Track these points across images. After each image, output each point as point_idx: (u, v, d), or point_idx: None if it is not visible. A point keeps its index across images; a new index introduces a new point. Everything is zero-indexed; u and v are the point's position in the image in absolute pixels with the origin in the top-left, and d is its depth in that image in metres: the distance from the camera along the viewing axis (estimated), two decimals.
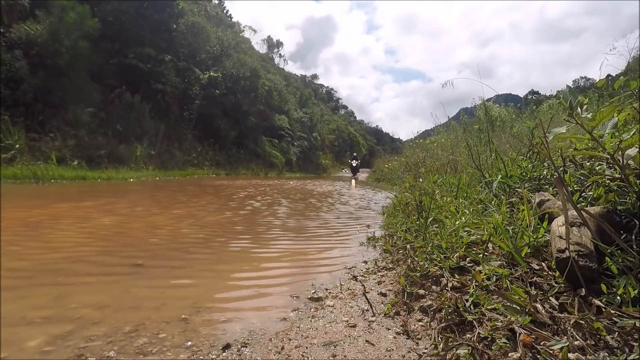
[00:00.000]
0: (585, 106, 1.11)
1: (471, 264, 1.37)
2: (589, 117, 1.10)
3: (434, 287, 1.33)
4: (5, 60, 8.98)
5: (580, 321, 0.89)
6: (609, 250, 1.06)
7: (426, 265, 1.47)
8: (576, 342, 0.83)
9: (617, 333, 0.85)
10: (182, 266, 1.89)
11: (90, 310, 1.28)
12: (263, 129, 23.28)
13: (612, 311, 0.90)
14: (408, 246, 1.84)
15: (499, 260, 1.32)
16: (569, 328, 0.88)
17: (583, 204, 1.43)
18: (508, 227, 1.52)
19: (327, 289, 1.54)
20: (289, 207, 4.58)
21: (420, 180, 4.19)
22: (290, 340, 1.08)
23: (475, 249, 1.51)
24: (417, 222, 2.23)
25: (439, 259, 1.48)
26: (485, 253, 1.42)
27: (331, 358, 0.97)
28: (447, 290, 1.22)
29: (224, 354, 1.00)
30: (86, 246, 2.24)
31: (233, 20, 29.23)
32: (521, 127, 4.68)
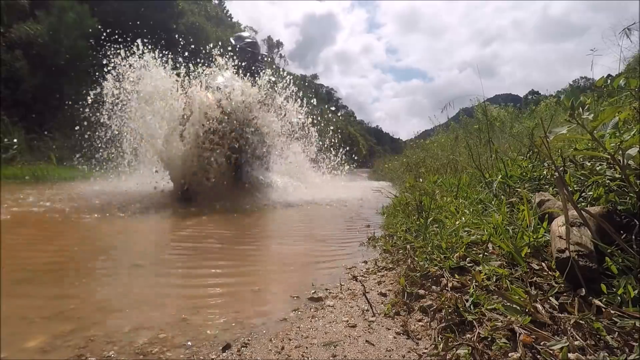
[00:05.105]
0: (587, 106, 1.11)
1: (471, 264, 1.37)
2: (590, 119, 1.10)
3: (434, 287, 1.33)
4: (5, 60, 8.99)
5: (580, 321, 0.89)
6: (609, 250, 1.06)
7: (426, 265, 1.46)
8: (576, 342, 0.83)
9: (617, 333, 0.85)
10: (182, 266, 1.89)
11: (90, 310, 1.28)
12: None
13: (612, 311, 0.90)
14: (408, 246, 1.84)
15: (499, 260, 1.32)
16: (569, 328, 0.88)
17: (583, 204, 1.43)
18: (508, 227, 1.52)
19: (327, 289, 1.53)
20: (288, 207, 4.57)
21: (421, 180, 4.19)
22: (290, 340, 1.08)
23: (475, 249, 1.51)
24: (417, 222, 2.23)
25: (439, 259, 1.48)
26: (485, 253, 1.42)
27: (331, 358, 0.97)
28: (447, 290, 1.22)
29: (224, 354, 1.00)
30: (86, 246, 2.24)
31: (233, 20, 29.24)
32: (521, 127, 4.69)
